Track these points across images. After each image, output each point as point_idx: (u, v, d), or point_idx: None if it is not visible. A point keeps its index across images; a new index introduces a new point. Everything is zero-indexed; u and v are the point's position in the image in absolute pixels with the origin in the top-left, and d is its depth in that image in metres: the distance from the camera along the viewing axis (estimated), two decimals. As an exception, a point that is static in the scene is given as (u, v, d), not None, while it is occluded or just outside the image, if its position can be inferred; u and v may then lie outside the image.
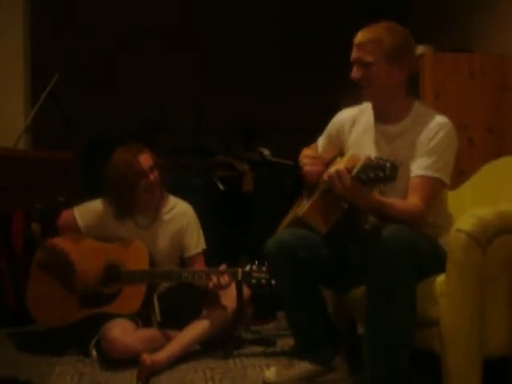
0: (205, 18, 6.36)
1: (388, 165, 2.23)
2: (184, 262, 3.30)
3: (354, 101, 2.80)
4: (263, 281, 3.04)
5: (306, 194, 2.73)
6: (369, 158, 2.30)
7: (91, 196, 3.34)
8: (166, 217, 3.29)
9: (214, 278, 3.04)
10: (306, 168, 2.80)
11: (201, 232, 3.33)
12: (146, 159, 3.20)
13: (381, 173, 2.24)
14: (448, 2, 4.76)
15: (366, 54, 2.52)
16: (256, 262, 3.07)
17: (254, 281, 3.06)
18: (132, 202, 3.20)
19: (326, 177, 2.46)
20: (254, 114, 5.98)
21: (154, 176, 3.20)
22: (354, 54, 2.56)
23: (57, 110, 4.92)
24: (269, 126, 5.86)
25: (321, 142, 2.94)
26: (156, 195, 3.23)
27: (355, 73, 2.56)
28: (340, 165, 2.46)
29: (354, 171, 2.30)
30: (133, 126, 5.92)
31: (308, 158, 2.85)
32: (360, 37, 2.55)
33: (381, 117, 2.65)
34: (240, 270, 3.07)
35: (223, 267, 3.07)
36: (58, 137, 4.87)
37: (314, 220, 2.52)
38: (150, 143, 3.47)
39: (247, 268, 3.07)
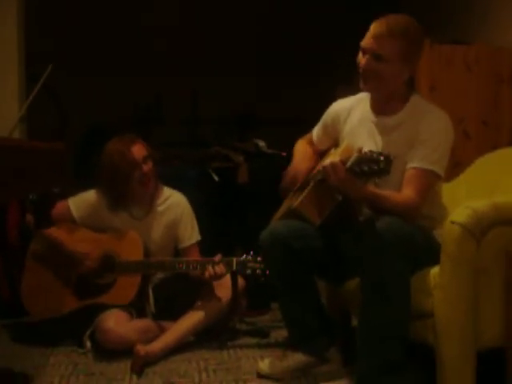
0: (204, 7, 6.33)
1: (382, 158, 2.22)
2: (179, 253, 3.30)
3: (352, 92, 2.79)
4: (258, 271, 3.04)
5: (300, 185, 2.73)
6: (363, 151, 2.29)
7: (86, 186, 3.33)
8: (161, 208, 3.28)
9: (210, 268, 3.03)
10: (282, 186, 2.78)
11: (195, 223, 3.32)
12: (139, 150, 3.18)
13: (375, 166, 2.23)
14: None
15: (383, 47, 2.44)
16: (251, 252, 3.07)
17: (248, 271, 3.06)
18: (126, 193, 3.20)
19: (320, 168, 2.46)
20: (251, 104, 5.98)
21: (147, 167, 3.18)
22: (369, 44, 2.47)
23: (51, 100, 4.91)
24: (265, 117, 5.86)
25: (316, 131, 2.93)
26: (150, 186, 3.22)
27: (365, 62, 2.48)
28: (335, 156, 2.45)
29: (348, 164, 2.30)
30: (128, 115, 5.92)
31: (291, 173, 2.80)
32: (379, 27, 2.45)
33: (377, 108, 2.64)
34: (235, 259, 3.07)
35: (218, 257, 3.06)
36: (53, 127, 4.87)
37: (308, 211, 2.51)
38: (145, 133, 3.47)
39: (242, 258, 3.07)
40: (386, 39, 2.44)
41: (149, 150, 3.23)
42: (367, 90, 2.62)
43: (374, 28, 2.48)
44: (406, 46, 2.45)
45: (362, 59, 2.51)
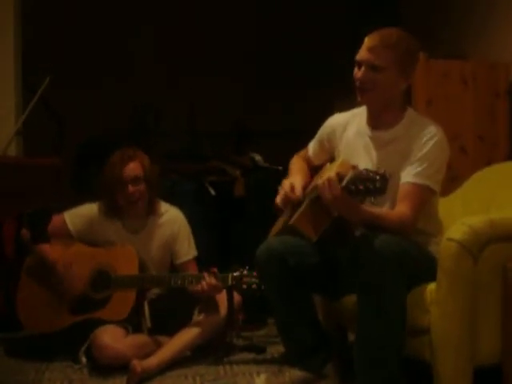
0: (200, 17, 6.34)
1: (378, 177, 2.20)
2: (175, 268, 3.29)
3: (349, 103, 2.80)
4: (254, 285, 3.03)
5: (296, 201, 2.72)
6: (358, 170, 2.29)
7: (82, 199, 3.32)
8: (157, 223, 3.27)
9: (204, 281, 3.03)
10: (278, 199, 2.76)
11: (192, 239, 3.31)
12: (133, 169, 3.18)
13: (371, 185, 2.21)
14: (441, 8, 4.77)
15: (379, 58, 2.48)
16: (246, 267, 3.06)
17: (244, 286, 3.05)
18: (114, 207, 3.20)
19: (316, 184, 2.45)
20: (248, 117, 5.97)
21: (134, 188, 3.16)
22: (365, 56, 2.51)
23: (48, 113, 4.91)
24: (262, 130, 5.86)
25: (312, 146, 2.94)
26: (139, 206, 3.21)
27: (361, 74, 2.52)
28: (330, 171, 2.46)
29: (344, 182, 2.28)
30: (124, 127, 5.91)
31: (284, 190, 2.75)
32: (373, 40, 2.50)
33: (373, 122, 2.65)
34: (230, 275, 3.06)
35: (213, 269, 3.06)
36: (50, 140, 4.86)
37: (305, 228, 2.50)
38: (142, 146, 3.46)
39: (237, 273, 3.06)
40: (381, 49, 2.48)
41: (146, 169, 3.20)
42: (364, 102, 2.63)
43: (368, 41, 2.53)
44: (401, 55, 2.49)
45: (358, 72, 2.54)
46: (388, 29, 2.55)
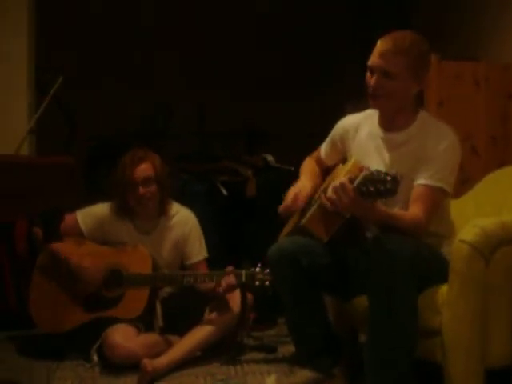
0: (210, 18, 6.35)
1: (389, 178, 2.20)
2: (186, 269, 3.29)
3: (361, 108, 2.80)
4: (267, 282, 3.04)
5: (307, 202, 2.73)
6: (370, 171, 2.28)
7: (95, 199, 3.34)
8: (168, 224, 3.28)
9: (223, 280, 3.03)
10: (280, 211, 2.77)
11: (203, 240, 3.32)
12: (143, 170, 3.18)
13: (381, 186, 2.21)
14: (453, 10, 4.76)
15: (391, 64, 2.45)
16: (259, 265, 3.07)
17: (257, 283, 3.06)
18: (125, 207, 3.21)
19: (327, 185, 2.46)
20: (259, 117, 5.98)
21: (145, 190, 3.17)
22: (377, 62, 2.48)
23: (61, 113, 4.93)
24: (274, 130, 5.86)
25: (324, 147, 2.94)
26: (150, 207, 3.21)
27: (374, 81, 2.49)
28: (342, 172, 2.46)
29: (355, 183, 2.27)
30: (136, 128, 5.93)
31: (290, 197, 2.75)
32: (386, 45, 2.47)
33: (386, 124, 2.64)
34: (244, 271, 3.07)
35: (230, 268, 3.07)
36: (63, 139, 4.89)
37: (316, 229, 2.51)
38: (155, 147, 3.47)
39: (251, 270, 3.07)
40: (393, 56, 2.46)
41: (157, 170, 3.20)
42: (377, 108, 2.62)
43: (381, 46, 2.50)
44: (414, 60, 2.47)
45: (370, 79, 2.52)
46: (400, 32, 2.53)
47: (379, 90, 2.50)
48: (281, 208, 2.75)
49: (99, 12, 6.08)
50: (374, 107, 2.62)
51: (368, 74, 2.54)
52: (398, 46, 2.46)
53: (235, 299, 3.13)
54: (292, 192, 2.73)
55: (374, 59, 2.51)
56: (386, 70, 2.47)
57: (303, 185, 2.76)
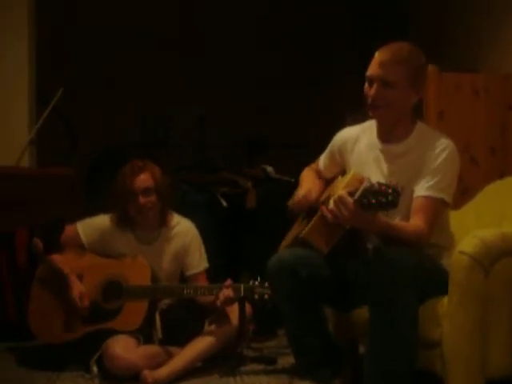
0: (210, 29, 6.37)
1: (390, 190, 2.21)
2: (185, 280, 3.29)
3: (360, 119, 2.80)
4: (266, 296, 3.03)
5: (306, 213, 2.73)
6: (371, 183, 2.28)
7: (96, 210, 3.34)
8: (169, 234, 3.28)
9: (221, 294, 3.03)
10: (291, 207, 2.78)
11: (203, 251, 3.32)
12: (143, 180, 3.18)
13: (383, 199, 2.21)
14: (452, 21, 4.78)
15: (391, 74, 2.47)
16: (258, 278, 3.07)
17: (256, 296, 3.05)
18: (126, 218, 3.22)
19: (327, 196, 2.46)
20: (259, 128, 5.99)
21: (145, 200, 3.16)
22: (377, 72, 2.50)
23: (61, 124, 4.94)
24: (274, 141, 5.88)
25: (323, 159, 2.94)
26: (150, 217, 3.21)
27: (374, 91, 2.50)
28: (342, 184, 2.47)
29: (356, 196, 2.28)
30: (137, 139, 5.94)
31: (299, 196, 2.77)
32: (385, 55, 2.49)
33: (384, 136, 2.65)
34: (243, 285, 3.06)
35: (228, 282, 3.07)
36: (63, 150, 4.89)
37: (316, 240, 2.51)
38: (155, 158, 3.48)
39: (250, 283, 3.07)
40: (392, 65, 2.48)
41: (158, 181, 3.20)
42: (376, 118, 2.63)
43: (379, 56, 2.52)
44: (412, 70, 2.50)
45: (370, 89, 2.53)
46: (398, 43, 2.55)
47: (379, 100, 2.51)
48: (291, 202, 2.75)
49: (99, 23, 6.09)
50: (373, 117, 2.63)
51: (366, 84, 2.55)
52: (397, 55, 2.49)
53: (235, 311, 3.12)
54: (301, 192, 2.74)
55: (372, 69, 2.52)
56: (385, 79, 2.49)
57: (309, 187, 2.77)
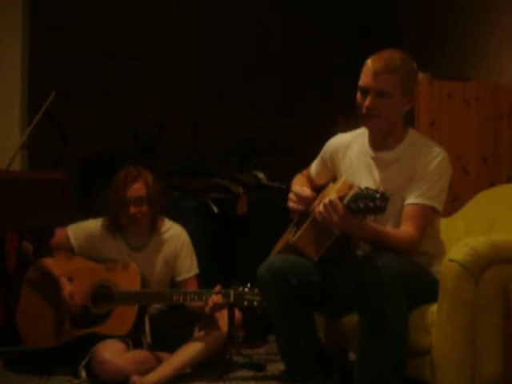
0: (202, 35, 6.37)
1: (378, 195, 2.22)
2: (176, 285, 3.29)
3: (351, 123, 2.81)
4: (255, 303, 3.03)
5: (297, 219, 2.73)
6: (359, 188, 2.29)
7: (88, 214, 3.33)
8: (160, 240, 3.28)
9: (210, 299, 3.03)
10: (291, 205, 2.78)
11: (194, 256, 3.32)
12: (136, 190, 3.17)
13: (371, 203, 2.23)
14: (444, 30, 4.80)
15: (386, 83, 2.47)
16: (248, 285, 3.06)
17: (246, 303, 3.05)
18: (117, 224, 3.22)
19: (317, 203, 2.46)
20: (251, 134, 5.98)
21: (136, 209, 3.16)
22: (370, 82, 2.48)
23: (53, 128, 4.92)
24: (265, 147, 5.87)
25: (314, 166, 2.94)
26: (141, 225, 3.22)
27: (368, 101, 2.49)
28: (332, 190, 2.47)
29: (345, 201, 2.29)
30: (129, 145, 5.93)
31: (296, 193, 2.78)
32: (377, 64, 2.48)
33: (376, 143, 2.65)
34: (232, 291, 3.06)
35: (218, 288, 3.06)
36: (55, 154, 4.87)
37: (306, 247, 2.51)
38: (146, 163, 3.47)
39: (239, 290, 3.06)
40: (387, 75, 2.48)
41: (150, 189, 3.20)
42: (371, 128, 2.62)
43: (373, 66, 2.50)
44: (405, 77, 2.50)
45: (363, 99, 2.52)
46: (388, 51, 2.54)
47: (374, 110, 2.51)
48: (289, 200, 2.75)
49: (92, 28, 6.08)
50: (367, 128, 2.63)
51: (359, 94, 2.54)
52: (390, 64, 2.48)
53: (224, 317, 3.11)
54: (296, 188, 2.76)
55: (367, 80, 2.51)
56: (381, 89, 2.48)
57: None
